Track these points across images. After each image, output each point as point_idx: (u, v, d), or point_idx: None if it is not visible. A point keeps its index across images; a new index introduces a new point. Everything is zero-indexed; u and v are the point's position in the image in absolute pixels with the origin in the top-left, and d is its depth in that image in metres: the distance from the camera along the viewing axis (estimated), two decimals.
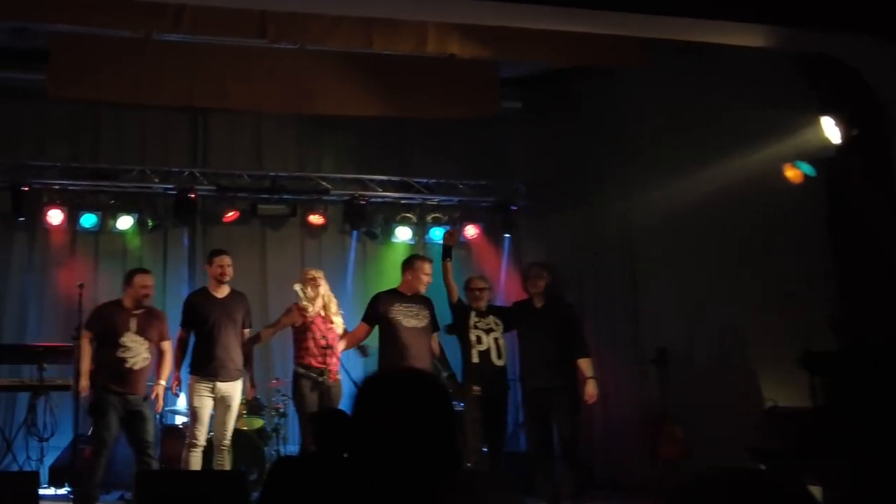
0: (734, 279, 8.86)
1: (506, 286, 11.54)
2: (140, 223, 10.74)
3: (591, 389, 8.08)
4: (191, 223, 10.90)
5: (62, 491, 8.84)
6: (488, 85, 10.29)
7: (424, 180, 11.51)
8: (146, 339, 7.78)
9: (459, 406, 8.06)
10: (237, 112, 10.91)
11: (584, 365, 8.19)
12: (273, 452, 9.50)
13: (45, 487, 8.66)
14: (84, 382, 7.56)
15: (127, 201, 10.68)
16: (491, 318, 8.23)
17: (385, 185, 11.41)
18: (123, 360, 7.63)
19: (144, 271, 8.20)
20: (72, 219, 10.47)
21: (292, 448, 9.89)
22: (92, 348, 7.69)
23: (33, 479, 5.99)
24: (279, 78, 9.45)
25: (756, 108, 8.38)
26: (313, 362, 8.01)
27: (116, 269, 10.61)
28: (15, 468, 8.95)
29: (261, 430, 9.42)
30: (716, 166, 8.97)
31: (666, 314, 9.94)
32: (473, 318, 8.16)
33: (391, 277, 11.24)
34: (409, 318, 8.05)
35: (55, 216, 10.33)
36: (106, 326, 7.71)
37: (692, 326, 9.62)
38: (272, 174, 11.07)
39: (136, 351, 7.70)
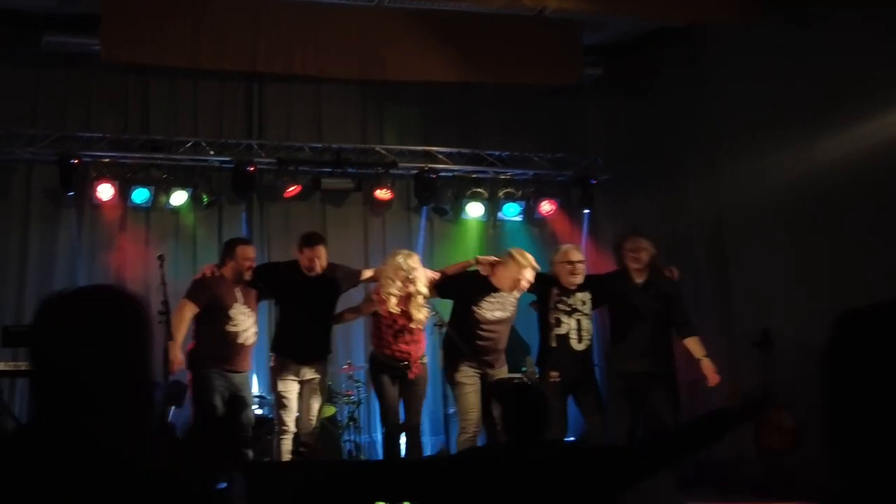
0: (841, 260, 8.13)
1: (552, 258, 10.82)
2: (194, 199, 10.00)
3: (709, 369, 7.27)
4: (248, 199, 10.15)
5: None
6: (572, 50, 9.64)
7: (497, 153, 10.70)
8: (252, 311, 7.10)
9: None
10: (296, 80, 10.20)
11: (694, 345, 7.39)
12: (348, 442, 8.87)
13: None
14: (179, 356, 6.78)
15: (181, 175, 9.95)
16: (577, 297, 7.35)
17: (455, 158, 10.61)
18: (235, 335, 6.94)
19: (246, 241, 7.56)
20: (122, 194, 9.76)
21: (367, 438, 9.27)
22: (191, 323, 6.94)
23: None
24: (349, 40, 8.79)
25: (873, 74, 7.64)
26: (388, 352, 7.20)
27: (168, 248, 9.94)
28: None
29: (332, 418, 8.81)
30: (824, 139, 8.31)
31: (762, 296, 9.15)
32: (555, 297, 7.29)
33: (464, 258, 10.54)
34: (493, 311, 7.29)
35: (105, 191, 9.61)
36: (213, 297, 6.96)
37: (793, 309, 8.84)
38: (335, 146, 10.27)
39: (247, 324, 7.02)
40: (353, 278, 7.56)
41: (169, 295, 6.89)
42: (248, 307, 7.07)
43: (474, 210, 10.69)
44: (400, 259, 7.16)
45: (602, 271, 10.60)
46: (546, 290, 7.28)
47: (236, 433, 5.52)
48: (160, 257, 6.96)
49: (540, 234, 10.93)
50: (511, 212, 10.78)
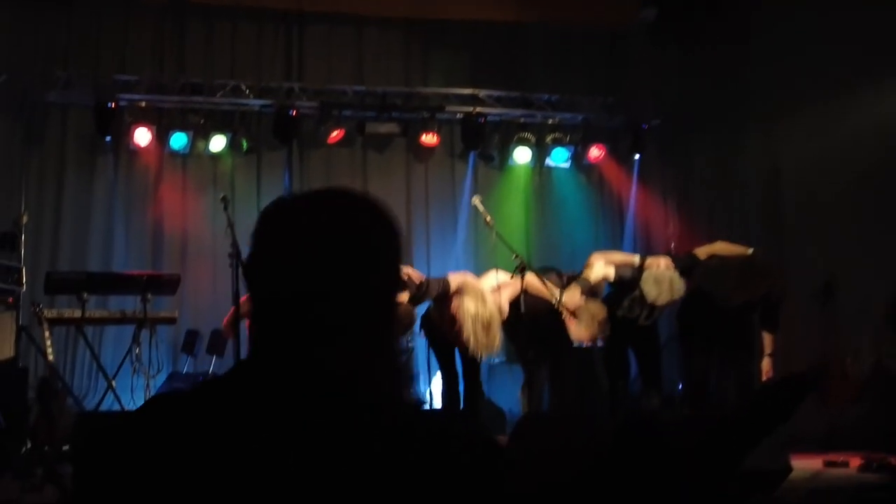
0: None
1: (636, 210, 10.55)
2: (233, 145, 9.65)
3: (766, 367, 7.00)
4: (289, 145, 9.80)
5: None
6: None
7: (546, 96, 10.30)
8: None
9: None
10: (337, 22, 9.85)
11: (767, 340, 7.17)
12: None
13: None
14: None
15: (219, 120, 9.61)
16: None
17: (503, 102, 10.20)
18: None
19: None
20: (160, 139, 9.41)
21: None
22: None
23: None
24: None
25: None
26: None
27: (206, 195, 9.68)
28: (117, 408, 8.02)
29: None
30: (889, 94, 8.01)
31: (819, 248, 8.78)
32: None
33: (510, 206, 10.24)
34: None
35: (142, 136, 9.29)
36: None
37: (851, 263, 8.48)
38: (380, 90, 9.88)
39: None
40: None
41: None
42: None
43: (521, 156, 10.31)
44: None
45: (652, 218, 10.43)
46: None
47: None
48: (223, 199, 6.53)
49: (588, 181, 10.58)
50: (559, 157, 10.41)
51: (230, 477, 1.23)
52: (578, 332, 6.53)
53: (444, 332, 6.43)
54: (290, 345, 1.32)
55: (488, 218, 6.43)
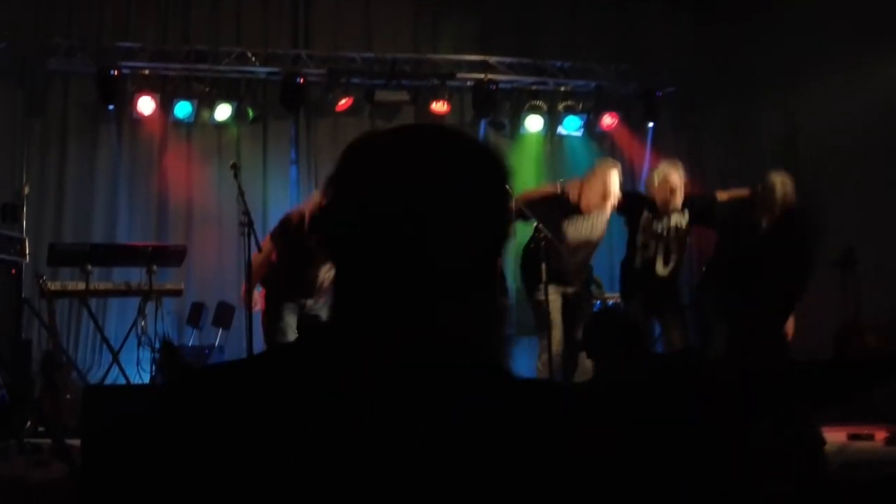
0: None
1: (649, 178, 10.25)
2: (238, 113, 9.44)
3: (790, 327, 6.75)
4: (296, 113, 9.60)
5: None
6: None
7: (558, 63, 10.06)
8: None
9: None
10: None
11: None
12: None
13: None
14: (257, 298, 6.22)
15: (225, 88, 9.38)
16: (672, 220, 6.76)
17: (515, 69, 9.97)
18: (316, 279, 6.18)
19: None
20: (164, 108, 9.21)
21: None
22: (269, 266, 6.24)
23: None
24: None
25: None
26: None
27: (211, 165, 9.50)
28: (122, 381, 7.87)
29: None
30: None
31: (836, 216, 8.56)
32: (646, 218, 6.72)
33: (522, 175, 10.01)
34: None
35: (146, 105, 9.09)
36: (300, 243, 6.11)
37: (869, 231, 8.29)
38: (388, 56, 9.65)
39: (327, 266, 6.34)
40: None
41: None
42: None
43: (533, 124, 10.09)
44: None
45: None
46: (638, 210, 6.74)
47: None
48: (234, 166, 6.28)
49: (601, 150, 10.35)
50: (571, 126, 10.18)
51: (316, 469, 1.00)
52: None
53: None
54: (386, 306, 1.09)
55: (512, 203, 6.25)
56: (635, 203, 6.76)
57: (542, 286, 6.48)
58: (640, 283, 6.69)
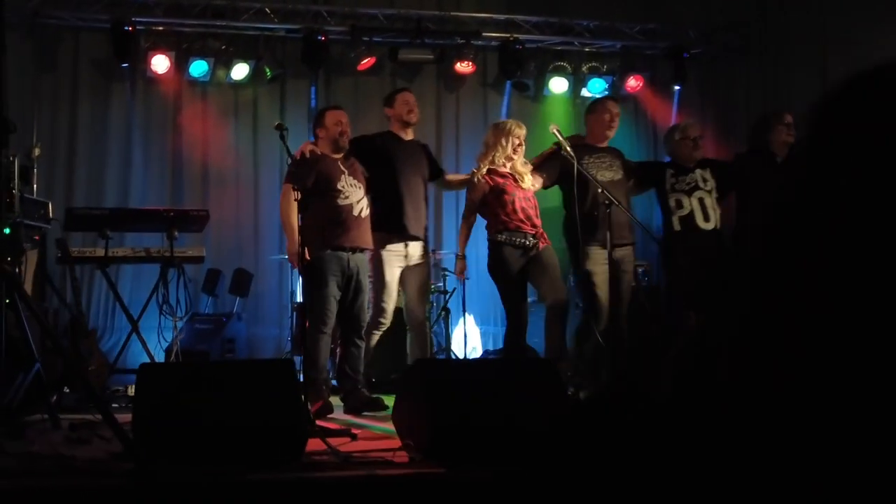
0: None
1: (669, 134, 9.99)
2: (256, 72, 9.05)
3: None
4: (316, 72, 9.22)
5: None
6: None
7: (585, 22, 9.72)
8: (361, 184, 6.22)
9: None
10: None
11: None
12: (438, 336, 8.19)
13: None
14: (297, 247, 5.78)
15: (242, 46, 8.97)
16: (697, 174, 6.62)
17: (541, 28, 9.62)
18: (350, 207, 6.07)
19: (335, 106, 6.58)
20: (179, 66, 8.81)
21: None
22: (298, 207, 5.81)
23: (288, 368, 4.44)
24: None
25: None
26: (523, 227, 6.34)
27: (227, 126, 9.17)
28: (142, 354, 7.53)
29: None
30: None
31: None
32: (671, 178, 6.65)
33: (547, 139, 9.68)
34: (602, 171, 6.50)
35: (160, 63, 8.70)
36: (318, 174, 6.06)
37: None
38: (413, 13, 9.27)
39: (358, 195, 6.14)
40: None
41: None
42: (356, 179, 6.20)
43: (558, 86, 9.77)
44: (511, 125, 6.49)
45: None
46: (660, 174, 6.71)
47: None
48: (279, 126, 5.91)
49: (627, 112, 10.04)
50: (596, 88, 9.87)
51: None
52: None
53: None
54: None
55: (567, 147, 5.92)
56: (655, 168, 6.80)
57: (591, 250, 6.27)
58: (683, 244, 6.50)
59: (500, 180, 6.31)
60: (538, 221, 6.36)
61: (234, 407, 3.87)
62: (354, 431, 4.67)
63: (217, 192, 8.95)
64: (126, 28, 8.38)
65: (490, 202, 6.33)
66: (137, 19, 8.55)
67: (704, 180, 6.67)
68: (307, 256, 5.69)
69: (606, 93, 9.91)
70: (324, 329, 5.96)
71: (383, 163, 6.47)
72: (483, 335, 9.43)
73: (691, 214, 6.57)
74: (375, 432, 4.97)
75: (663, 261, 7.01)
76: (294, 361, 5.54)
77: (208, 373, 4.35)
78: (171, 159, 8.94)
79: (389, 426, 4.55)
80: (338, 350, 6.32)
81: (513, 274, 6.24)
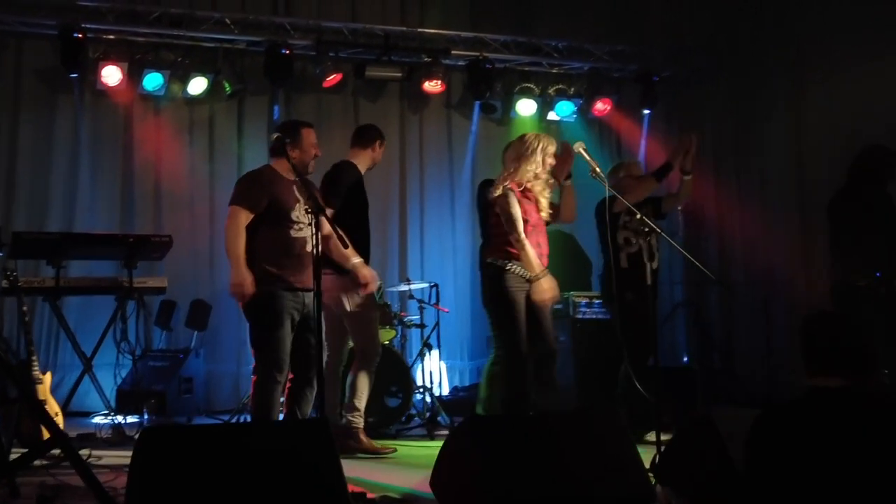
0: None
1: (646, 169, 9.74)
2: (214, 87, 8.44)
3: None
4: (281, 87, 8.65)
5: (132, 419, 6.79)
6: None
7: (553, 42, 9.38)
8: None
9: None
10: None
11: None
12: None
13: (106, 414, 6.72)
14: (248, 276, 5.10)
15: (200, 58, 8.37)
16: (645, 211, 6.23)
17: (509, 47, 9.25)
18: (303, 242, 5.26)
19: (310, 124, 5.64)
20: (131, 79, 8.16)
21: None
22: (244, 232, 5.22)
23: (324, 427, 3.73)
24: None
25: None
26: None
27: (182, 145, 8.58)
28: (93, 394, 6.84)
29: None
30: None
31: None
32: (624, 216, 6.42)
33: None
34: None
35: (111, 74, 8.05)
36: (272, 198, 5.24)
37: None
38: (379, 29, 8.79)
39: (310, 231, 5.12)
40: None
41: None
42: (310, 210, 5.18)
43: (525, 108, 9.41)
44: (545, 142, 5.83)
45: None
46: (610, 208, 6.18)
47: None
48: (278, 138, 5.29)
49: (598, 135, 9.79)
50: (564, 110, 9.55)
51: None
52: None
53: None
54: None
55: (597, 168, 5.44)
56: (603, 205, 6.17)
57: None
58: (630, 283, 6.13)
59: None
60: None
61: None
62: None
63: (171, 216, 8.30)
64: (75, 35, 7.72)
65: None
66: (88, 26, 7.87)
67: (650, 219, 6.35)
68: (253, 290, 5.07)
69: (575, 116, 9.63)
70: (279, 378, 5.11)
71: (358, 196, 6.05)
72: (450, 370, 8.97)
73: (639, 253, 6.24)
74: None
75: (611, 296, 6.56)
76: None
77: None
78: (121, 180, 8.29)
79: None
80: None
81: (521, 305, 5.76)
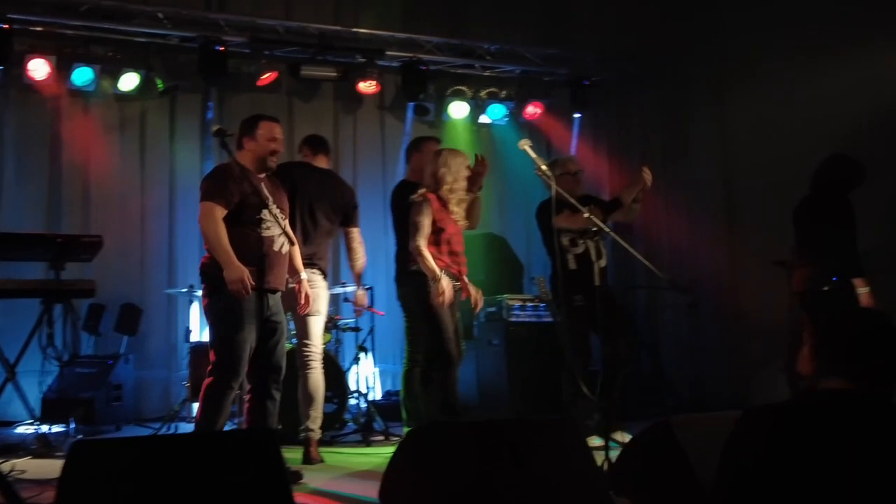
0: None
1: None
2: (146, 83, 8.26)
3: None
4: (214, 85, 8.51)
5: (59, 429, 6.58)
6: None
7: (486, 45, 9.42)
8: (284, 214, 5.26)
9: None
10: None
11: None
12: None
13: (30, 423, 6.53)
14: (243, 269, 4.86)
15: (132, 53, 8.16)
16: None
17: (442, 49, 9.25)
18: (270, 241, 5.05)
19: (273, 119, 5.42)
20: (60, 73, 7.92)
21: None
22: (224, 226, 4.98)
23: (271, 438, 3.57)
24: None
25: None
26: (451, 266, 5.82)
27: (112, 142, 8.37)
28: (16, 403, 6.60)
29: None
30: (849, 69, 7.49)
31: (775, 230, 8.31)
32: (564, 215, 6.20)
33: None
34: None
35: (39, 68, 7.79)
36: (242, 195, 5.01)
37: None
38: (314, 28, 8.71)
39: (277, 230, 5.08)
40: None
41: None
42: (280, 208, 5.21)
43: (458, 110, 9.46)
44: (462, 159, 5.92)
45: (592, 181, 9.73)
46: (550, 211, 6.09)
47: None
48: (219, 132, 5.12)
49: (530, 139, 9.81)
50: (496, 113, 9.61)
51: None
52: None
53: None
54: None
55: (542, 166, 5.46)
56: (547, 205, 6.17)
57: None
58: (580, 285, 6.13)
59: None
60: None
61: None
62: None
63: (100, 216, 8.06)
64: (1, 26, 7.44)
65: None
66: (14, 16, 7.57)
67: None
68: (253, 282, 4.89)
69: (506, 119, 9.70)
70: (234, 384, 4.91)
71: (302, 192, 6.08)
72: (383, 374, 8.93)
73: (587, 253, 6.24)
74: None
75: (560, 298, 6.59)
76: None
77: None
78: (48, 178, 8.02)
79: None
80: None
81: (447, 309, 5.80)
